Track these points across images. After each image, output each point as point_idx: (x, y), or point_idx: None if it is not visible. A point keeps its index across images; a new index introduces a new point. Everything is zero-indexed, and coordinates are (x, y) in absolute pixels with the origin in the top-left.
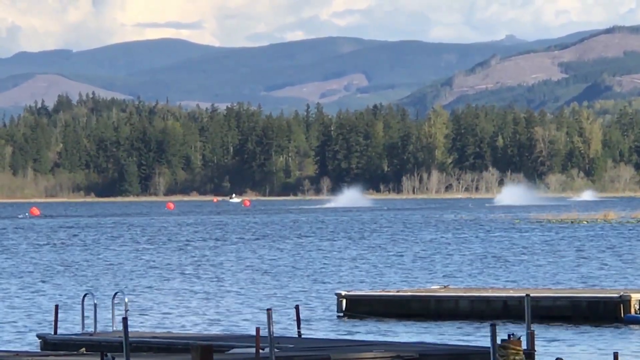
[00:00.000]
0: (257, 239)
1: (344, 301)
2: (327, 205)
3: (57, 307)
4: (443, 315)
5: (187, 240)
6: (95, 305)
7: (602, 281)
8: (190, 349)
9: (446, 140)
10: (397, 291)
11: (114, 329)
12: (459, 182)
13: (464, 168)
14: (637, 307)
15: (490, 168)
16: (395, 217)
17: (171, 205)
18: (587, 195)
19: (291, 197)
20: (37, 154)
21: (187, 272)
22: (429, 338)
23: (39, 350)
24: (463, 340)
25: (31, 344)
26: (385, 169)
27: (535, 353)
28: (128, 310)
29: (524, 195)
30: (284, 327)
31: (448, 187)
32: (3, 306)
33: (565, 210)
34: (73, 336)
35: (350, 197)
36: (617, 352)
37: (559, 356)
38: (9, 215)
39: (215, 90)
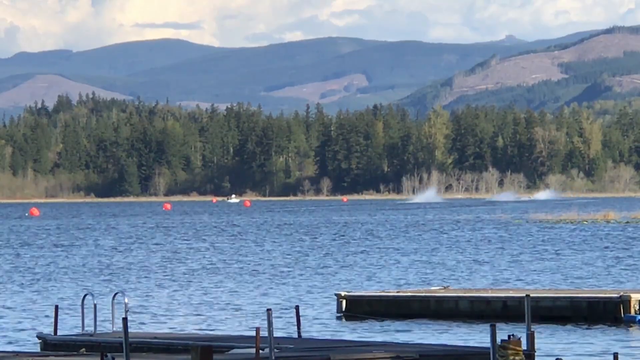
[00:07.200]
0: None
1: (344, 301)
2: (409, 202)
3: (57, 307)
4: (443, 315)
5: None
6: (95, 305)
7: (602, 281)
8: (190, 349)
9: (446, 141)
10: (397, 291)
11: (114, 329)
12: (459, 183)
13: (464, 168)
14: (637, 307)
15: (490, 168)
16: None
17: (168, 206)
18: (545, 194)
19: (291, 198)
20: (37, 154)
21: (187, 272)
22: (429, 338)
23: (39, 351)
24: (463, 341)
25: (31, 344)
26: (385, 169)
27: (535, 353)
28: (128, 310)
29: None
30: (284, 327)
31: (448, 188)
32: (3, 306)
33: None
34: (73, 336)
35: (427, 195)
36: (617, 353)
37: (559, 356)
38: (9, 216)
39: (215, 90)
